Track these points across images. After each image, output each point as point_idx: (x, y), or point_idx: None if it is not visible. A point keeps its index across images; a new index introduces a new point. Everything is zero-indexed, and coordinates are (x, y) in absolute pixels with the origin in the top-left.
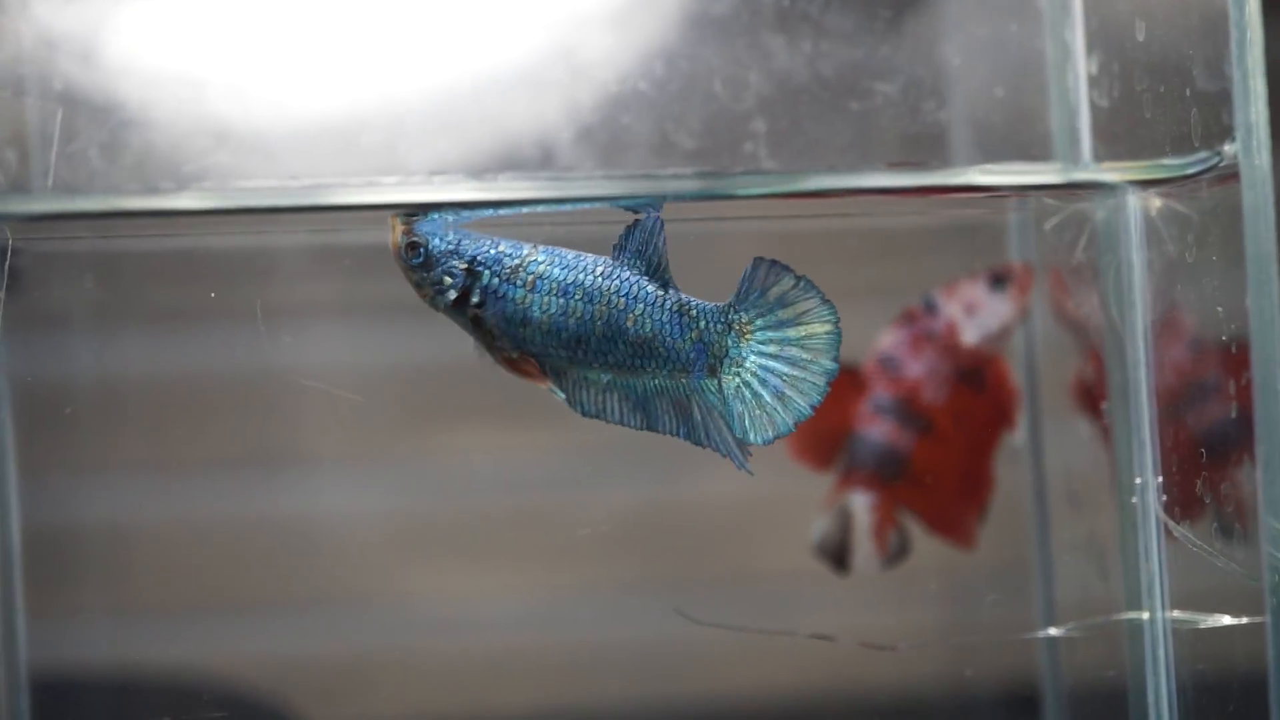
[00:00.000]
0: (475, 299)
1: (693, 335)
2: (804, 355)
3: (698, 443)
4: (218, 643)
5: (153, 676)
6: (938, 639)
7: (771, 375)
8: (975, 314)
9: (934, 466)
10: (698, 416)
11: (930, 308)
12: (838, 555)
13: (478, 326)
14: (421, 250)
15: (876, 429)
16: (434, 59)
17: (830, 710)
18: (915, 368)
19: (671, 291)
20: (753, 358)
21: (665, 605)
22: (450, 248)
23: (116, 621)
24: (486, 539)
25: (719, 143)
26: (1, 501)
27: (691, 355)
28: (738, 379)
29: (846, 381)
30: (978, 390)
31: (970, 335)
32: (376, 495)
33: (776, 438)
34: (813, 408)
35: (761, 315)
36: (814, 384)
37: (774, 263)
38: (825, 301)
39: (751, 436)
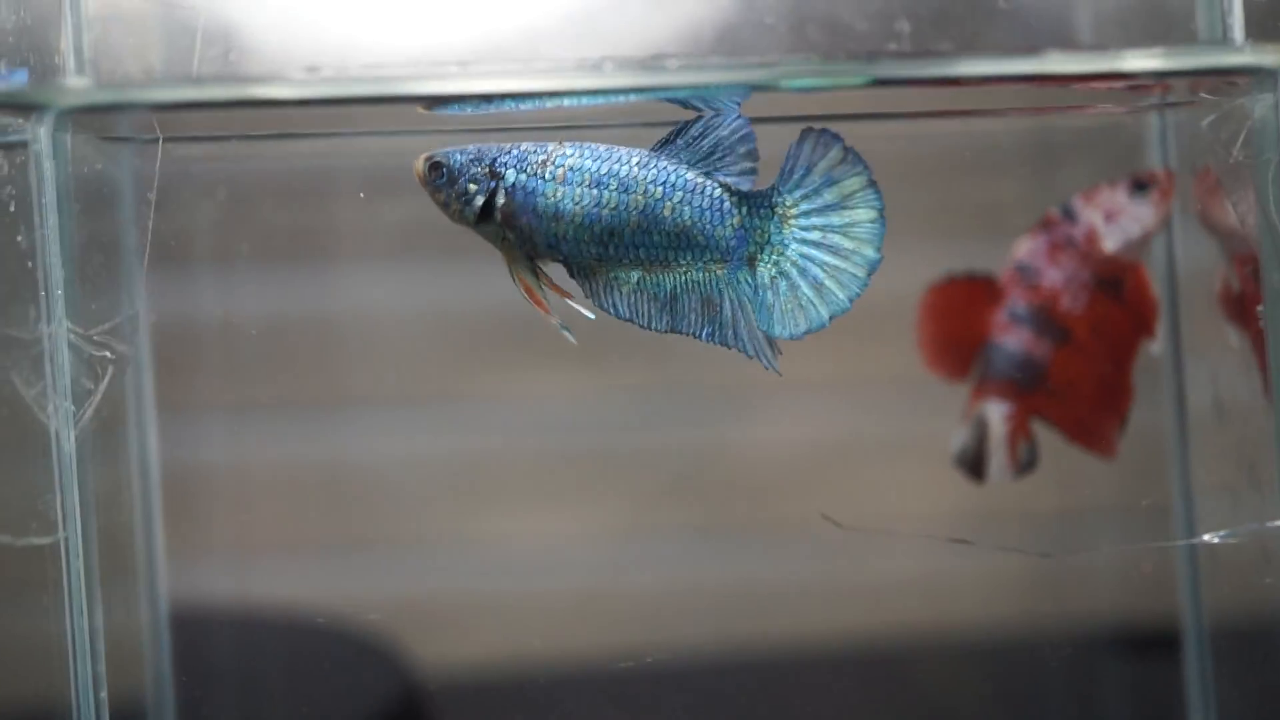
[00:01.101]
0: (501, 200)
1: (734, 221)
2: (847, 244)
3: (724, 342)
4: (316, 580)
5: (268, 610)
6: (1081, 548)
7: (812, 264)
8: (1115, 220)
9: (1072, 376)
10: (728, 312)
11: (1069, 214)
12: (974, 465)
13: (507, 229)
14: (443, 169)
15: (1013, 338)
16: None
17: (936, 653)
18: (1053, 275)
19: (712, 179)
20: (794, 245)
21: (742, 547)
22: (470, 157)
23: (233, 557)
24: (569, 481)
25: (862, 45)
26: (141, 440)
27: (732, 243)
28: (776, 268)
29: (982, 290)
30: (1117, 298)
31: (1110, 242)
32: (457, 437)
33: (807, 333)
34: (851, 300)
35: (806, 198)
36: (855, 275)
37: (824, 132)
38: (872, 184)
39: (779, 330)
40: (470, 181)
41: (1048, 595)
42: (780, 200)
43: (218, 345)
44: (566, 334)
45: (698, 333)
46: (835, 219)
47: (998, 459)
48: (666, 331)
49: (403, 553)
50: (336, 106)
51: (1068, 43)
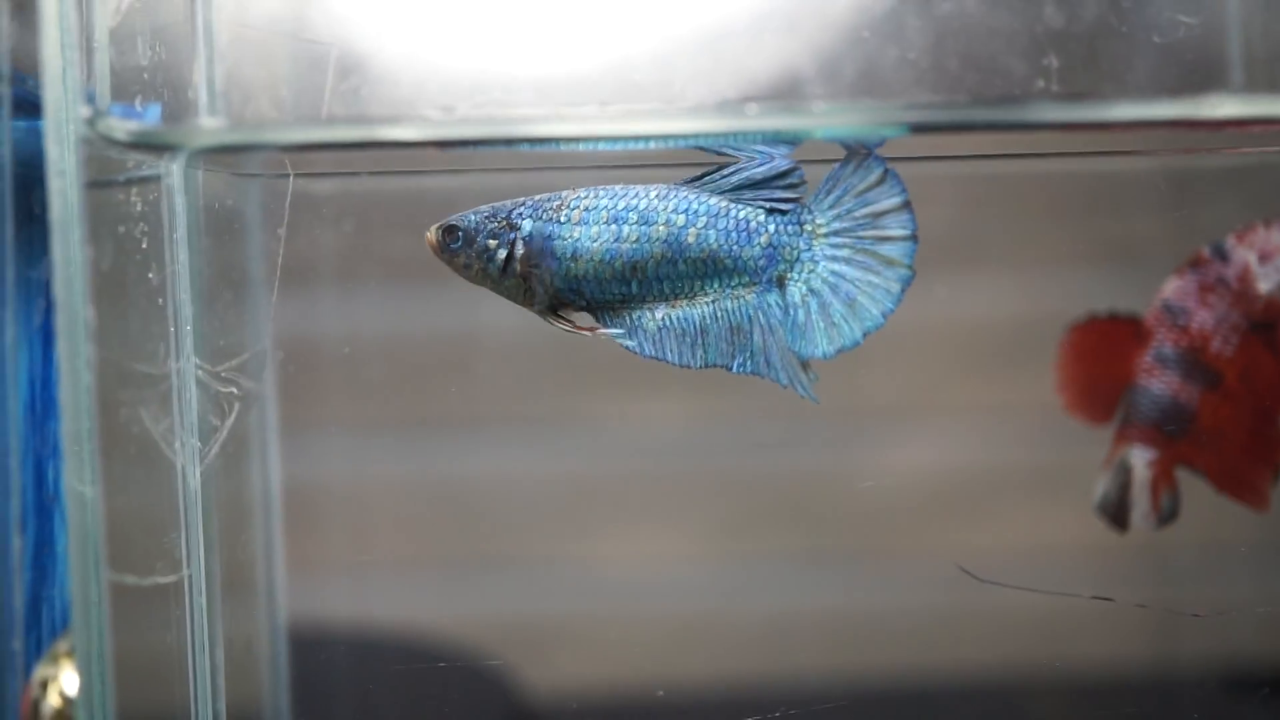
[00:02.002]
0: (520, 250)
1: (761, 240)
2: (878, 260)
3: (755, 372)
4: (431, 599)
5: (383, 628)
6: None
7: (844, 281)
8: (1271, 260)
9: (1221, 423)
10: (758, 339)
11: (1220, 253)
12: (1116, 514)
13: (529, 280)
14: (459, 231)
15: (1159, 381)
16: None
17: (1060, 692)
18: (1202, 317)
19: (736, 204)
20: (824, 262)
21: (857, 575)
22: (485, 215)
23: (350, 575)
24: (684, 504)
25: (1008, 80)
26: (263, 460)
27: (760, 263)
28: (806, 285)
29: (1127, 330)
30: (1269, 343)
31: (1265, 283)
32: (571, 459)
33: (840, 351)
34: (885, 316)
35: (838, 216)
36: (888, 291)
37: (868, 155)
38: (907, 205)
39: (812, 349)
40: (489, 238)
41: (1182, 635)
42: (809, 217)
43: (337, 367)
44: (613, 335)
45: (728, 364)
46: (866, 235)
47: (1141, 507)
48: (700, 367)
49: (516, 573)
50: (469, 148)
51: (1221, 81)
